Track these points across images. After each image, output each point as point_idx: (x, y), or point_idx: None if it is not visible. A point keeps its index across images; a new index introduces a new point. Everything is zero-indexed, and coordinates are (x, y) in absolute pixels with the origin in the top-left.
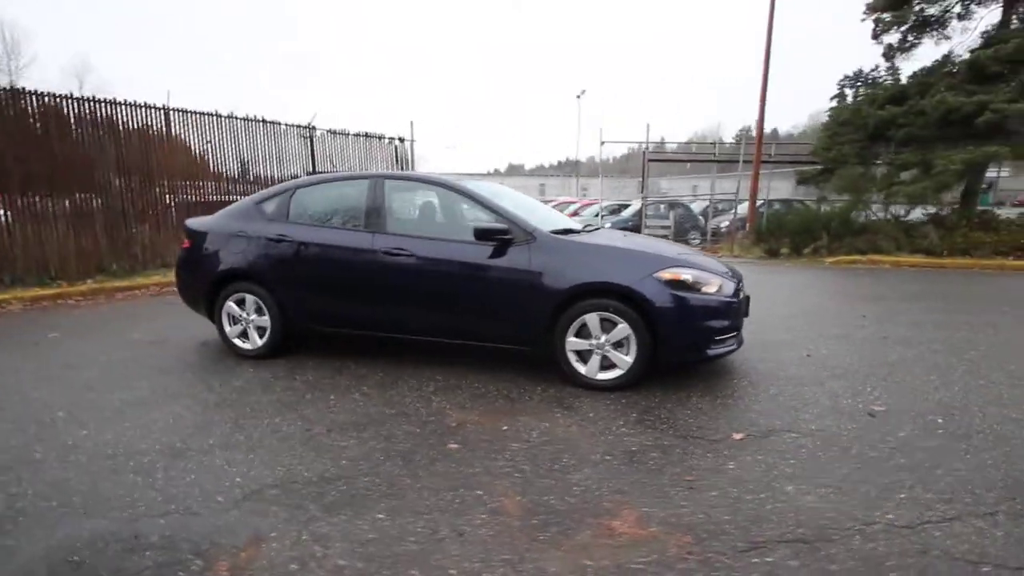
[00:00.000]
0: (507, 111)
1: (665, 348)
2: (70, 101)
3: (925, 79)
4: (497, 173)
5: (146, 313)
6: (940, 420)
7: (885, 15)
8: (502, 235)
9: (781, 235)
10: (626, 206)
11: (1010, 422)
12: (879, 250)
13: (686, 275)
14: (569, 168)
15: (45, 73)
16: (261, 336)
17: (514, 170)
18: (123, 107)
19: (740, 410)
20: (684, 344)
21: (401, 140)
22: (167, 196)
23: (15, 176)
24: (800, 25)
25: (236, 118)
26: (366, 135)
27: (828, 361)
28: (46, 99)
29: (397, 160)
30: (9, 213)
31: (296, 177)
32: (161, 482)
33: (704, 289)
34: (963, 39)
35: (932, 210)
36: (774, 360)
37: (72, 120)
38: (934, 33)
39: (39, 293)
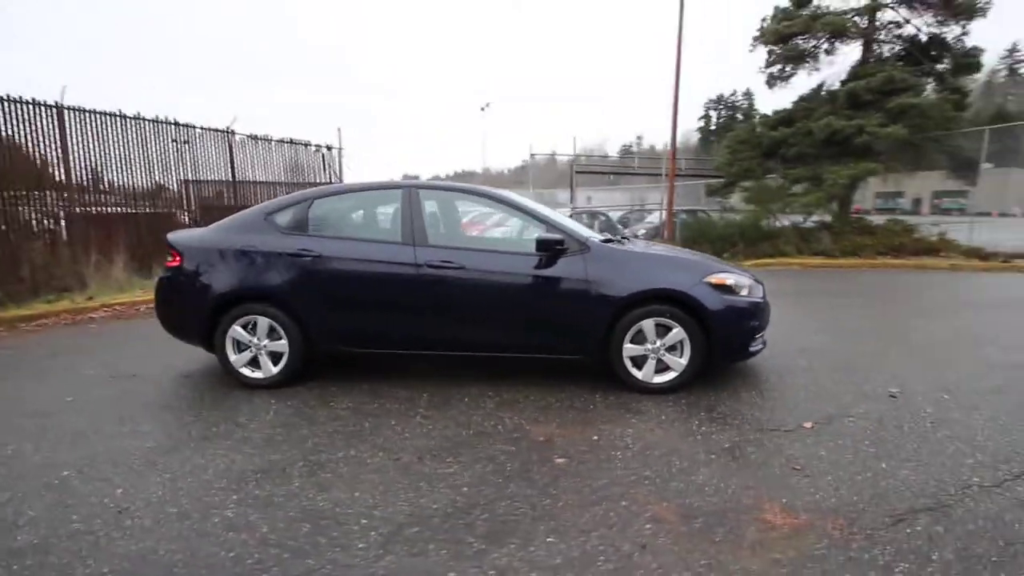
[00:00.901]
0: (404, 120)
1: (719, 349)
2: None
3: (807, 105)
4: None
5: (82, 345)
6: (946, 396)
7: (776, 47)
8: (559, 245)
9: (703, 241)
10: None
11: (995, 393)
12: (784, 253)
13: (730, 279)
14: (465, 179)
15: None
16: (275, 363)
17: (410, 180)
18: (4, 103)
19: (788, 402)
20: (734, 345)
21: (329, 148)
22: (59, 208)
23: None
24: (667, 52)
25: (144, 120)
26: (291, 141)
27: (822, 354)
28: None
29: (325, 168)
30: None
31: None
32: (275, 538)
33: (742, 292)
34: (831, 71)
35: (817, 218)
36: (775, 355)
37: None
38: (806, 65)
39: None
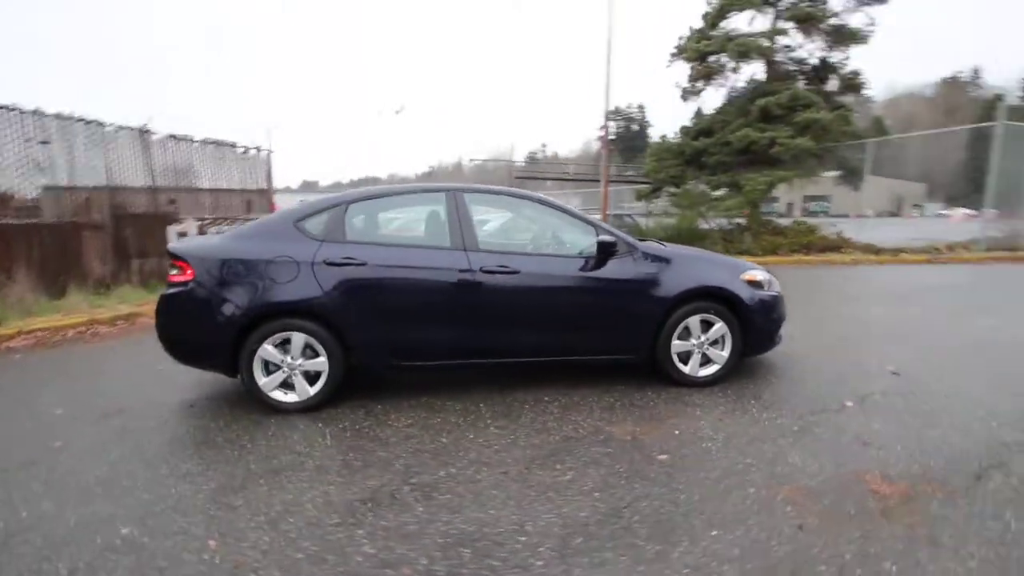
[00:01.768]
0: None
1: (754, 341)
2: None
3: (721, 118)
4: (288, 190)
5: (21, 381)
6: (942, 371)
7: (697, 64)
8: (613, 248)
9: None
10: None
11: (980, 358)
12: None
13: (759, 276)
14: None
15: None
16: (312, 383)
17: (308, 187)
18: None
19: (813, 386)
20: (764, 336)
21: (258, 149)
22: None
23: None
24: (572, 61)
25: (45, 115)
26: (216, 143)
27: (805, 341)
28: None
29: (254, 171)
30: None
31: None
32: (442, 569)
33: (767, 287)
34: (732, 85)
35: (737, 221)
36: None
37: None
38: (715, 80)
39: None
